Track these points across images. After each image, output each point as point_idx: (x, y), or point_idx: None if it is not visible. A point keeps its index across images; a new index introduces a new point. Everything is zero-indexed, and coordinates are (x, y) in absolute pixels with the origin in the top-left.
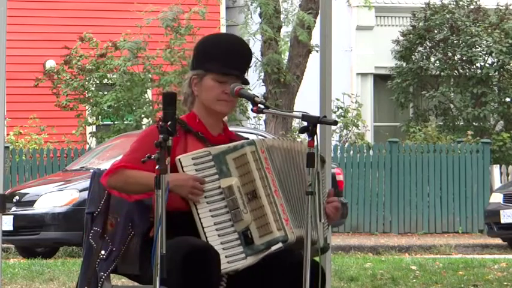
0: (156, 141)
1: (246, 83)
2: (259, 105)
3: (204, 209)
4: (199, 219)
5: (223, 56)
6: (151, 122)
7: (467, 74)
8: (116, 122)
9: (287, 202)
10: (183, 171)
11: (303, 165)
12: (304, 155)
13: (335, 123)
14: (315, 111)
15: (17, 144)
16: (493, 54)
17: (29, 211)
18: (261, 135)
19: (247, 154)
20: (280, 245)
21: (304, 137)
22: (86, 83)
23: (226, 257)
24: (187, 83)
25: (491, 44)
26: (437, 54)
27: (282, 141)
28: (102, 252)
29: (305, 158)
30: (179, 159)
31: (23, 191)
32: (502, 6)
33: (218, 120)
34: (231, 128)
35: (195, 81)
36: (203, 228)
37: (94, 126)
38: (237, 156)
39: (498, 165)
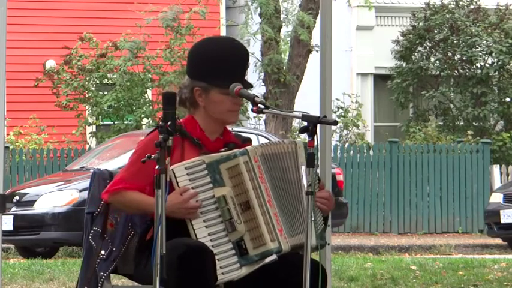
0: (156, 141)
1: (250, 86)
2: (259, 105)
3: (198, 220)
4: (194, 230)
5: (227, 68)
6: (151, 122)
7: (467, 74)
8: (116, 122)
9: (281, 210)
10: (177, 181)
11: (294, 165)
12: (293, 153)
13: (335, 123)
14: (315, 111)
15: (17, 144)
16: (493, 54)
17: (29, 211)
18: (261, 135)
19: (240, 165)
20: (274, 256)
21: (304, 137)
22: (86, 83)
23: (220, 267)
24: (189, 91)
25: (491, 44)
26: (437, 54)
27: (274, 146)
28: (102, 252)
29: (294, 156)
30: (172, 169)
31: (23, 191)
32: (502, 6)
33: (221, 126)
34: (230, 128)
35: (198, 93)
36: (197, 239)
37: (94, 126)
38: (230, 166)
39: (498, 165)
